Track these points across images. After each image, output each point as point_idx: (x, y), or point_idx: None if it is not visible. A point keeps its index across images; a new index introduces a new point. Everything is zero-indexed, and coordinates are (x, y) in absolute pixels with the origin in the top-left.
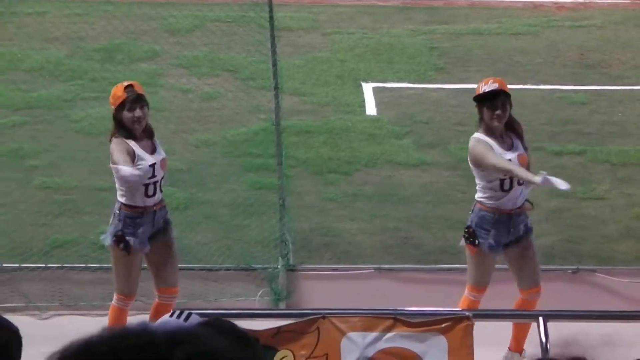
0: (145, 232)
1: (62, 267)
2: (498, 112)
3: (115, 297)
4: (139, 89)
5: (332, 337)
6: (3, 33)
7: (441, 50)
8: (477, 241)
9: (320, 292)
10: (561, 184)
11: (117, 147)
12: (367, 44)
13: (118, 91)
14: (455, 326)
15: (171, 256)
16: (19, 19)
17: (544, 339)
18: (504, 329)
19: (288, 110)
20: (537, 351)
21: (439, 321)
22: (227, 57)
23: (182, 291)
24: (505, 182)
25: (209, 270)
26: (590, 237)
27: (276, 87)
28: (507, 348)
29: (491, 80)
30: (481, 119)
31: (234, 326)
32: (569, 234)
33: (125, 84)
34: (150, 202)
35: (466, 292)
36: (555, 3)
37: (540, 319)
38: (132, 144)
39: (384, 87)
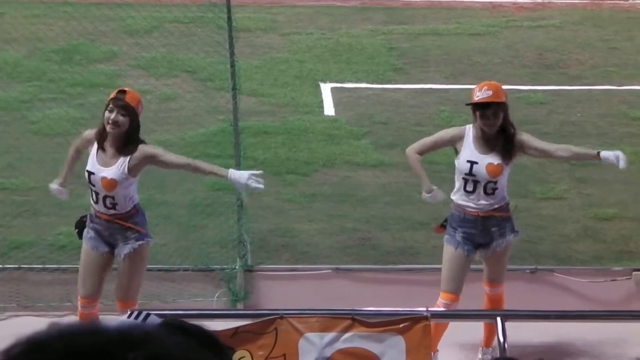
0: (99, 235)
1: (19, 268)
2: (489, 121)
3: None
4: (132, 100)
5: (290, 338)
6: None
7: (400, 51)
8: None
9: (278, 292)
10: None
11: (77, 140)
12: (326, 44)
13: (113, 93)
14: (413, 326)
15: (123, 273)
16: None
17: (502, 339)
18: (458, 329)
19: (246, 111)
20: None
21: (397, 321)
22: (185, 58)
23: (141, 292)
24: (468, 183)
25: (167, 270)
26: (549, 237)
27: (234, 88)
28: (480, 347)
29: (485, 87)
30: (475, 119)
31: (199, 327)
32: (527, 233)
33: (123, 89)
34: (95, 207)
35: (438, 299)
36: (514, 3)
37: (498, 318)
38: (94, 146)
39: (342, 88)
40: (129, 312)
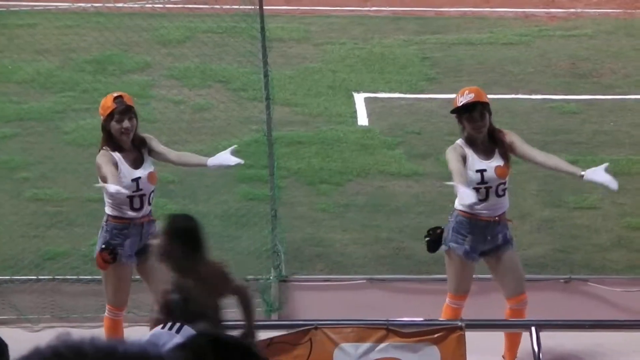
0: (133, 245)
1: (53, 279)
2: (477, 123)
3: (106, 308)
4: (129, 100)
5: (325, 348)
6: None
7: (433, 61)
8: (442, 244)
9: (313, 303)
10: (466, 197)
11: (103, 160)
12: (359, 54)
13: (107, 102)
14: (448, 336)
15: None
16: (9, 30)
17: (536, 349)
18: (496, 338)
19: (279, 121)
20: None
21: (431, 331)
22: (218, 68)
23: None
24: (480, 191)
25: None
26: (582, 246)
27: (268, 98)
28: (502, 357)
29: (467, 91)
30: (463, 128)
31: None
32: (561, 243)
33: (115, 94)
34: (136, 215)
35: (447, 300)
36: (547, 13)
37: (533, 328)
38: (117, 156)
39: (375, 98)
40: (163, 324)
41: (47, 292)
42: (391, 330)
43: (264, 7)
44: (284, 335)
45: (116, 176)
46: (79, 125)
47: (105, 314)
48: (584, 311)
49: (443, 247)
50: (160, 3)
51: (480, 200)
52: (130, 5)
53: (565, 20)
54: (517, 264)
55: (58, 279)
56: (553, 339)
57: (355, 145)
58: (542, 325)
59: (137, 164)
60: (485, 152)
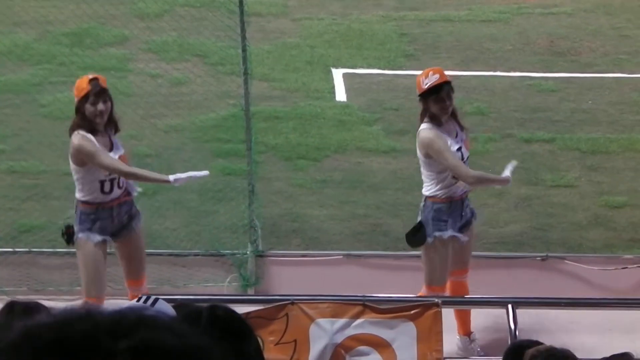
0: (104, 228)
1: (29, 252)
2: (447, 102)
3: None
4: (104, 82)
5: (301, 323)
6: None
7: (411, 37)
8: (427, 237)
9: (289, 278)
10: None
11: (89, 145)
12: (337, 29)
13: (82, 83)
14: (424, 313)
15: (137, 250)
16: None
17: (512, 326)
18: (472, 315)
19: (257, 95)
20: (505, 336)
21: (408, 307)
22: (196, 42)
23: (151, 276)
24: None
25: (178, 255)
26: (559, 224)
27: (245, 73)
28: (457, 334)
29: (431, 72)
30: (425, 110)
31: (230, 312)
32: (537, 221)
33: (90, 76)
34: (106, 198)
35: (428, 293)
36: None
37: (510, 305)
38: (93, 139)
39: (354, 74)
40: (137, 297)
41: (23, 265)
42: (367, 306)
43: None
44: (260, 310)
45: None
46: (55, 98)
47: None
48: (561, 289)
49: (429, 240)
50: None
51: (455, 179)
52: None
53: None
54: (473, 238)
55: (34, 251)
56: (529, 316)
57: (333, 121)
58: (519, 303)
59: (109, 147)
60: (450, 130)
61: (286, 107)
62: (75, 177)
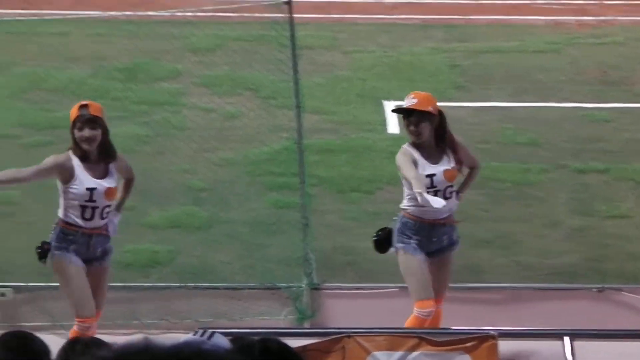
0: (78, 252)
1: None
2: (411, 128)
3: (75, 322)
4: (96, 110)
5: (358, 356)
6: (26, 53)
7: (461, 68)
8: (391, 245)
9: (344, 310)
10: (435, 203)
11: (52, 159)
12: (387, 62)
13: (74, 109)
14: (480, 345)
15: (100, 285)
16: (41, 38)
17: (570, 358)
18: (529, 347)
19: (309, 128)
20: None
21: (463, 340)
22: (248, 75)
23: (207, 310)
24: (429, 194)
25: (233, 289)
26: (615, 255)
27: (298, 106)
28: None
29: (412, 95)
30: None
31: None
32: (592, 252)
33: (83, 103)
34: (86, 225)
35: (414, 310)
36: (577, 20)
37: (567, 338)
38: (77, 163)
39: None
40: (194, 331)
41: None
42: (423, 338)
43: (294, 15)
44: (317, 342)
45: (36, 171)
46: (110, 132)
47: (74, 327)
48: (618, 321)
49: (392, 250)
50: (190, 11)
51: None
52: (161, 13)
53: (596, 27)
54: (449, 269)
55: None
56: (586, 349)
57: (385, 153)
58: (576, 335)
59: (98, 175)
60: (432, 156)
61: (338, 139)
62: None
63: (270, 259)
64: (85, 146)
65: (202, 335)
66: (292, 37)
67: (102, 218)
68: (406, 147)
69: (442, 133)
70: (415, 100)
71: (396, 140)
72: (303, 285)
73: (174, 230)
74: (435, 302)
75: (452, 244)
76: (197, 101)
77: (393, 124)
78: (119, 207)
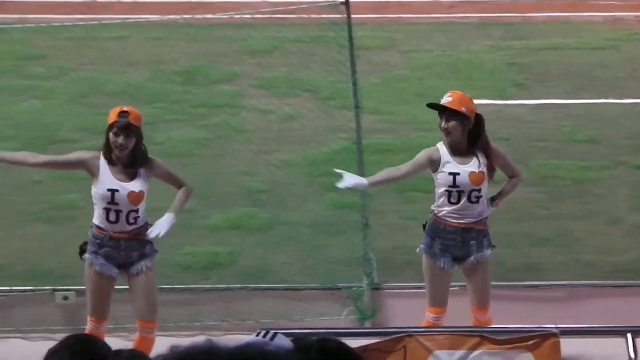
0: (110, 257)
1: None
2: (442, 125)
3: (87, 319)
4: (135, 119)
5: (419, 356)
6: (85, 58)
7: (520, 66)
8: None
9: (405, 310)
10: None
11: (74, 153)
12: (445, 61)
13: (113, 113)
14: (542, 343)
15: (143, 290)
16: (100, 43)
17: (632, 355)
18: (590, 346)
19: (367, 129)
20: None
21: (525, 338)
22: (306, 77)
23: (268, 311)
24: (452, 194)
25: (294, 290)
26: None
27: (357, 106)
28: None
29: (449, 94)
30: None
31: (341, 345)
32: None
33: (124, 109)
34: (111, 228)
35: (426, 314)
36: (636, 16)
37: (629, 335)
38: (103, 163)
39: None
40: (257, 332)
41: None
42: (485, 337)
43: (351, 16)
44: (378, 342)
45: (52, 160)
46: (169, 136)
47: (87, 325)
48: None
49: (417, 250)
50: (248, 13)
51: (452, 203)
52: (219, 16)
53: None
54: (484, 274)
55: None
56: None
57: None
58: (639, 332)
59: (124, 178)
60: (462, 157)
61: (396, 139)
62: None
63: (330, 260)
64: (117, 152)
65: (264, 336)
66: (350, 37)
67: (129, 223)
68: (438, 145)
69: (476, 136)
70: (450, 99)
71: None
72: (363, 285)
73: (234, 232)
74: (478, 310)
75: (481, 249)
76: (256, 103)
77: None
78: (175, 210)
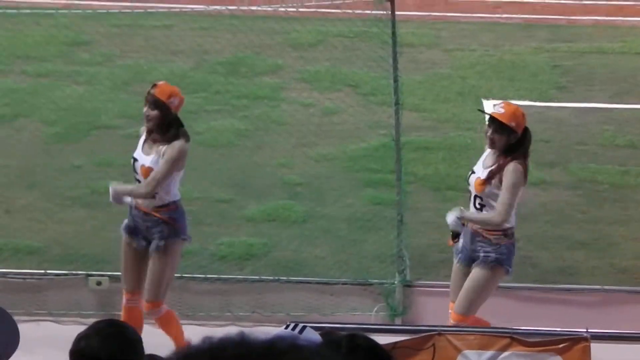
0: (137, 228)
1: (181, 277)
2: (488, 134)
3: None
4: (161, 93)
5: (448, 355)
6: (130, 45)
7: (564, 69)
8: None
9: (436, 308)
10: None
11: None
12: (489, 61)
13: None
14: (572, 347)
15: (150, 268)
16: (146, 31)
17: None
18: (621, 351)
19: (407, 126)
20: None
21: (556, 341)
22: (349, 72)
23: (299, 304)
24: (470, 197)
25: (326, 284)
26: None
27: (397, 103)
28: None
29: (503, 104)
30: None
31: (369, 342)
32: None
33: (155, 83)
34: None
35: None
36: None
37: None
38: (143, 134)
39: None
40: (286, 325)
41: (175, 290)
42: (515, 339)
43: (396, 13)
44: (408, 340)
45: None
46: (210, 126)
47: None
48: None
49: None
50: (293, 6)
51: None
52: (264, 8)
53: None
54: (470, 282)
55: (186, 276)
56: None
57: (483, 152)
58: None
59: (147, 150)
60: (489, 161)
61: (436, 137)
62: None
63: (364, 255)
64: (145, 123)
65: (293, 328)
66: (394, 34)
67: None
68: None
69: (512, 148)
70: (502, 111)
71: None
72: (395, 282)
73: (270, 224)
74: (453, 310)
75: (484, 259)
76: (297, 96)
77: None
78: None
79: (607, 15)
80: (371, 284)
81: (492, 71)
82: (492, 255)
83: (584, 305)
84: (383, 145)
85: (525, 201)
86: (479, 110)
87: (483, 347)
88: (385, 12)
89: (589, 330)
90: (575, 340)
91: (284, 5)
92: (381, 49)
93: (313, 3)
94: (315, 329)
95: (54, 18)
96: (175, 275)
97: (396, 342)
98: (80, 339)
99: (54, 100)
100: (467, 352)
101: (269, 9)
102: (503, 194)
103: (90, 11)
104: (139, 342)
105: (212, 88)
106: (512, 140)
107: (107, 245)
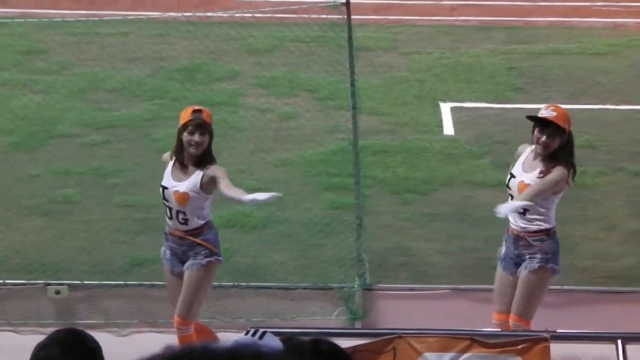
0: (168, 252)
1: (141, 285)
2: (543, 139)
3: None
4: (207, 117)
5: (409, 357)
6: (87, 53)
7: (520, 70)
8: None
9: (397, 311)
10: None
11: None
12: (446, 63)
13: (186, 113)
14: (532, 347)
15: (185, 285)
16: (102, 39)
17: None
18: (580, 350)
19: (366, 129)
20: None
21: (516, 342)
22: (306, 77)
23: (260, 309)
24: (509, 198)
25: (286, 289)
26: None
27: (354, 107)
28: None
29: (552, 108)
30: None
31: (333, 346)
32: None
33: (197, 108)
34: (169, 224)
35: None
36: (637, 23)
37: (619, 341)
38: (170, 163)
39: (462, 107)
40: (246, 330)
41: (134, 297)
42: (475, 340)
43: (352, 17)
44: (368, 343)
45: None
46: (168, 133)
47: None
48: None
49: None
50: (249, 12)
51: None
52: (220, 14)
53: None
54: (523, 287)
55: (145, 284)
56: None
57: (441, 155)
58: (629, 338)
59: (178, 177)
60: (532, 165)
61: (394, 141)
62: None
63: (324, 259)
64: (192, 150)
65: (253, 334)
66: (350, 38)
67: (180, 222)
68: (530, 147)
69: (558, 152)
70: (554, 114)
71: (452, 142)
72: (355, 286)
73: (229, 229)
74: (506, 317)
75: (532, 261)
76: (255, 102)
77: (449, 125)
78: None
79: (563, 17)
80: (331, 288)
81: (449, 74)
82: (538, 256)
83: (544, 305)
84: (341, 150)
85: (484, 203)
86: (529, 117)
87: (443, 349)
88: (341, 17)
89: (549, 331)
90: (535, 340)
91: (239, 11)
92: (338, 53)
93: (269, 8)
94: (276, 334)
95: (9, 27)
96: (135, 282)
97: (356, 346)
98: (39, 348)
99: (11, 110)
100: (427, 354)
101: (225, 15)
102: (540, 182)
103: (46, 20)
104: (99, 350)
105: (169, 95)
106: (563, 143)
107: (65, 254)
